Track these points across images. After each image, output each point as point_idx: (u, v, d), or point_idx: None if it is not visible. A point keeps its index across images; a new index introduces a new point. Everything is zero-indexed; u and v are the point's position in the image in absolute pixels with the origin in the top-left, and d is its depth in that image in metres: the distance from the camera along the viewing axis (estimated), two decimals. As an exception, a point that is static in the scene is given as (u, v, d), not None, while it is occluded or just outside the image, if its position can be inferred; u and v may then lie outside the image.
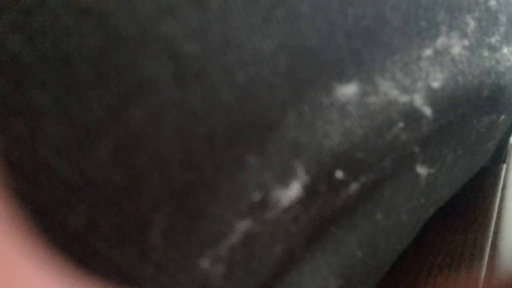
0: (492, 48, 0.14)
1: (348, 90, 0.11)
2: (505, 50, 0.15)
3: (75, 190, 0.09)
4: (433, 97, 0.13)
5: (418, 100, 0.12)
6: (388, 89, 0.12)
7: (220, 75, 0.09)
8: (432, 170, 0.15)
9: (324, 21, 0.10)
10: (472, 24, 0.14)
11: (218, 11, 0.09)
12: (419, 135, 0.13)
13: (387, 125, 0.12)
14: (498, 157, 0.23)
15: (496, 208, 0.21)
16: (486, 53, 0.14)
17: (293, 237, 0.12)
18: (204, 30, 0.09)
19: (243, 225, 0.11)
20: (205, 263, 0.10)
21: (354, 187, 0.12)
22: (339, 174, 0.12)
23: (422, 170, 0.14)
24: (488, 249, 0.19)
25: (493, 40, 0.15)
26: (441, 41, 0.13)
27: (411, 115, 0.12)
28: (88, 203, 0.09)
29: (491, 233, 0.20)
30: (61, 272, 0.09)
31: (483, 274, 0.17)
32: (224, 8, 0.09)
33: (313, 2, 0.10)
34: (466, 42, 0.14)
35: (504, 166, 0.24)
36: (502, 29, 0.15)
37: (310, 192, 0.11)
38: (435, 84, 0.13)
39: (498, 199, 0.22)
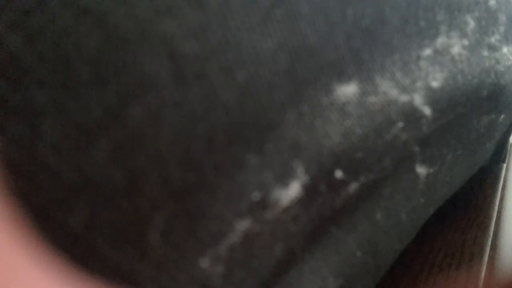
0: (492, 48, 0.14)
1: (348, 90, 0.11)
2: (505, 49, 0.15)
3: (74, 190, 0.09)
4: (432, 97, 0.13)
5: (418, 99, 0.12)
6: (388, 89, 0.12)
7: (220, 75, 0.09)
8: (431, 170, 0.15)
9: (323, 21, 0.10)
10: (471, 23, 0.14)
11: (217, 10, 0.09)
12: (418, 134, 0.13)
13: (387, 124, 0.12)
14: (498, 157, 0.23)
15: (496, 207, 0.21)
16: (485, 53, 0.14)
17: (293, 237, 0.12)
18: (203, 30, 0.09)
19: (243, 225, 0.11)
20: (204, 263, 0.10)
21: (353, 186, 0.12)
22: (338, 174, 0.12)
23: (421, 170, 0.14)
24: (488, 249, 0.19)
25: (492, 39, 0.15)
26: (440, 40, 0.13)
27: (411, 114, 0.12)
28: (88, 203, 0.09)
29: (491, 233, 0.20)
30: (61, 272, 0.09)
31: (483, 274, 0.17)
32: (223, 7, 0.09)
33: (312, 1, 0.10)
34: (465, 42, 0.14)
35: (504, 165, 0.24)
36: (502, 28, 0.15)
37: (309, 192, 0.11)
38: (435, 84, 0.13)
39: (498, 199, 0.22)
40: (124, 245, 0.10)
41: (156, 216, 0.10)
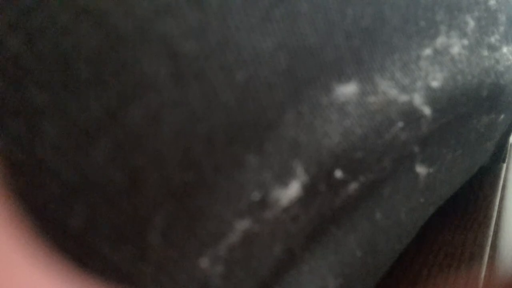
0: (492, 48, 0.15)
1: (348, 90, 0.11)
2: (505, 49, 0.15)
3: (74, 190, 0.09)
4: (432, 97, 0.13)
5: (418, 99, 0.12)
6: (388, 89, 0.12)
7: (219, 75, 0.09)
8: (431, 170, 0.15)
9: (323, 21, 0.10)
10: (471, 23, 0.14)
11: (217, 10, 0.09)
12: (418, 134, 0.13)
13: (387, 124, 0.12)
14: (498, 157, 0.23)
15: (496, 207, 0.21)
16: (485, 53, 0.14)
17: (292, 237, 0.12)
18: (203, 30, 0.09)
19: (242, 225, 0.11)
20: (204, 263, 0.10)
21: (353, 186, 0.12)
22: (338, 173, 0.12)
23: (421, 170, 0.14)
24: (488, 249, 0.19)
25: (492, 39, 0.15)
26: (440, 40, 0.13)
27: (411, 114, 0.12)
28: (88, 203, 0.09)
29: (491, 233, 0.20)
30: (61, 272, 0.09)
31: (483, 274, 0.17)
32: (223, 7, 0.09)
33: (312, 1, 0.10)
34: (465, 42, 0.14)
35: (504, 165, 0.24)
36: (502, 28, 0.15)
37: (309, 191, 0.11)
38: (435, 84, 0.13)
39: (498, 199, 0.22)
40: (124, 245, 0.10)
41: (156, 216, 0.10)
